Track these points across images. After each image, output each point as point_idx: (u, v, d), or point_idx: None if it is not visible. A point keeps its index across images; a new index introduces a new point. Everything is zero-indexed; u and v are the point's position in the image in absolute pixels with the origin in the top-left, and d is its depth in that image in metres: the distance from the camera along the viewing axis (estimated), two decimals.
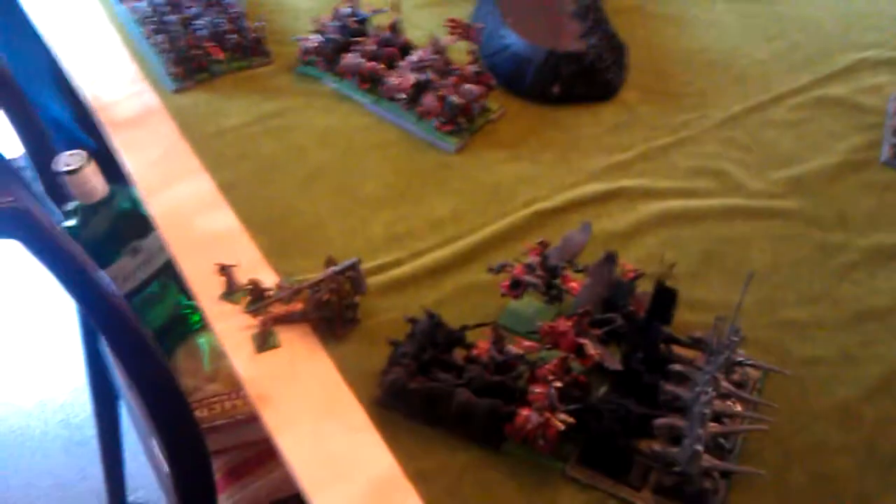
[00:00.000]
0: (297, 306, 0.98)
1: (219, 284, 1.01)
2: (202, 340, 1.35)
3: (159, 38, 1.27)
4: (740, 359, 0.89)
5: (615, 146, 1.23)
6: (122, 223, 1.20)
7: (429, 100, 1.20)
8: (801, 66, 1.38)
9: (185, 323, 1.36)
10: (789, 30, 1.46)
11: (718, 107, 1.30)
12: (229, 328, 0.98)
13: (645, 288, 0.96)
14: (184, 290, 1.07)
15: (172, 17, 1.28)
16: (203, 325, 1.33)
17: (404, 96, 1.22)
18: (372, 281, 1.02)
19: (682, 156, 1.22)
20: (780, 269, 1.07)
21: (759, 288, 1.02)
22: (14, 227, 0.82)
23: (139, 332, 1.00)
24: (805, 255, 1.08)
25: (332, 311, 0.96)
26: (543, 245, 0.97)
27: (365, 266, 1.03)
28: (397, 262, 1.06)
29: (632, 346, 0.91)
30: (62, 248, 0.86)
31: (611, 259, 0.95)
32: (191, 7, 1.31)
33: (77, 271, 0.89)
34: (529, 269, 0.96)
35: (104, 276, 0.95)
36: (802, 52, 1.41)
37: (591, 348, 0.86)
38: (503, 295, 0.97)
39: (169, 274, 1.26)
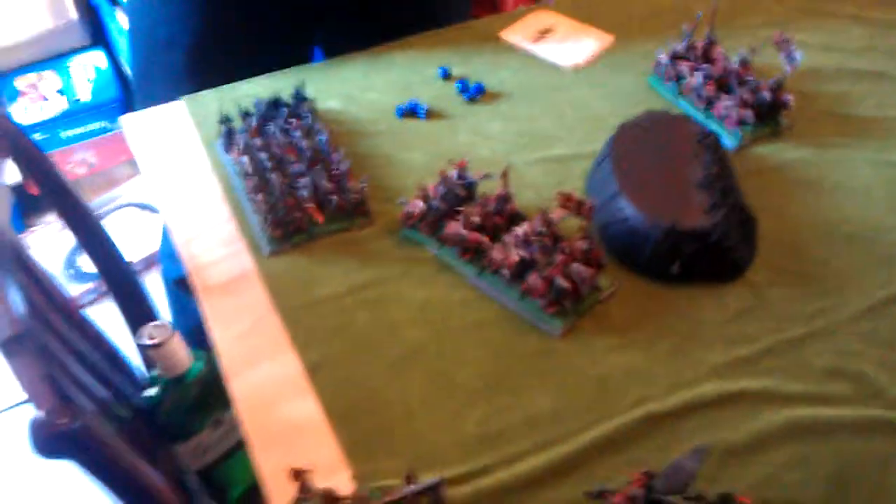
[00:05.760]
0: None
1: (293, 484, 0.94)
2: None
3: (259, 196, 1.22)
4: None
5: (739, 337, 1.11)
6: (205, 395, 1.15)
7: (534, 279, 1.11)
8: None
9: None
10: None
11: (859, 292, 1.16)
12: None
13: None
14: None
15: (275, 176, 1.23)
16: None
17: (508, 272, 1.14)
18: (455, 491, 0.93)
19: (816, 352, 1.09)
20: None
21: None
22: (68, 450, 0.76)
23: None
24: None
25: None
26: (649, 476, 0.86)
27: (451, 472, 0.94)
28: (486, 470, 0.96)
29: None
30: (117, 467, 0.80)
31: (726, 501, 0.83)
32: (294, 164, 1.26)
33: (130, 486, 0.83)
34: (632, 500, 0.85)
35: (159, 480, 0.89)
36: None
37: None
38: None
39: None
